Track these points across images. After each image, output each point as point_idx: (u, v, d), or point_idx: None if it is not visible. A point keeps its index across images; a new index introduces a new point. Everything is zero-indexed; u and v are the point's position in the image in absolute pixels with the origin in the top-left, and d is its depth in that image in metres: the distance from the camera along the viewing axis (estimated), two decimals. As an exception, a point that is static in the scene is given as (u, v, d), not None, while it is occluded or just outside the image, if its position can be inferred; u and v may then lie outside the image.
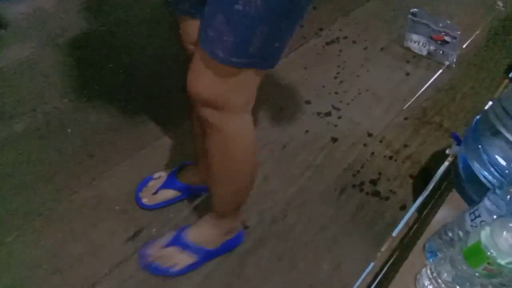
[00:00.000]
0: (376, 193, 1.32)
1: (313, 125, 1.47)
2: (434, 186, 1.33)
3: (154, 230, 1.13)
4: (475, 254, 0.68)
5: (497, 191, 0.75)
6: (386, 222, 1.26)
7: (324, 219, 1.23)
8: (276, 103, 1.39)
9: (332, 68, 1.70)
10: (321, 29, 1.85)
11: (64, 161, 1.22)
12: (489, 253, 0.66)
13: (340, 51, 1.78)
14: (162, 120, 1.36)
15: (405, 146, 1.47)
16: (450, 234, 0.84)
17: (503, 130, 0.95)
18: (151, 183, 1.17)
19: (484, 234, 0.67)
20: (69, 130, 1.29)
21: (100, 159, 1.24)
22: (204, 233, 1.03)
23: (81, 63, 1.48)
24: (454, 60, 1.84)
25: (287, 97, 1.51)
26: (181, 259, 1.03)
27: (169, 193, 1.15)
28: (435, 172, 1.35)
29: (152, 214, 1.15)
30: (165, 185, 1.14)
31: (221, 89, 0.71)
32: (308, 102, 1.54)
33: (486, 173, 0.93)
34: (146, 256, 1.03)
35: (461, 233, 0.81)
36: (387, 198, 1.32)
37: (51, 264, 1.03)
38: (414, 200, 1.31)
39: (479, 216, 0.76)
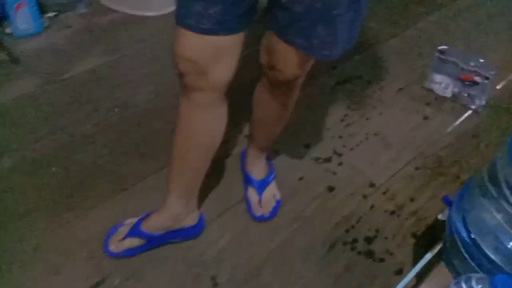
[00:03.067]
0: (370, 253, 1.19)
1: (308, 172, 1.37)
2: (440, 249, 1.17)
3: (117, 280, 1.07)
4: None
5: (462, 283, 0.62)
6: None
7: (304, 280, 1.12)
8: (269, 148, 1.31)
9: (340, 109, 1.60)
10: (333, 68, 1.76)
11: (42, 201, 1.21)
12: None
13: (352, 91, 1.68)
14: (146, 163, 1.33)
15: (411, 200, 1.33)
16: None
17: (497, 196, 0.82)
18: (121, 229, 1.12)
19: None
20: (54, 169, 1.28)
21: (77, 200, 1.22)
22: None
23: (79, 100, 1.49)
24: (483, 103, 1.67)
25: (284, 139, 1.43)
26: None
27: (135, 241, 1.10)
28: (443, 232, 1.19)
29: (119, 263, 1.10)
30: (131, 233, 1.09)
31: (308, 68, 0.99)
32: (306, 146, 1.45)
33: (468, 247, 0.80)
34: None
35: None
36: (381, 260, 1.18)
37: (7, 310, 1.01)
38: (414, 264, 1.16)
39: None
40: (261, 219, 1.22)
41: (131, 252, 1.10)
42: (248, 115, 1.20)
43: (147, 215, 1.11)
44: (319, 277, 1.13)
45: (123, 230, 1.11)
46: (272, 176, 1.29)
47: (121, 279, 1.07)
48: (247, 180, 1.27)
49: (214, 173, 1.32)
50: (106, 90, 1.54)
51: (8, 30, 1.70)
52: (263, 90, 1.09)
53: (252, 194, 1.25)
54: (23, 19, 1.68)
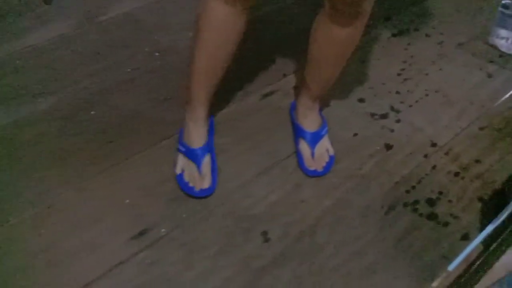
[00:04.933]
0: (433, 216, 1.09)
1: (364, 128, 1.26)
2: (509, 215, 1.07)
3: (163, 230, 1.00)
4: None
5: None
6: (441, 253, 1.03)
7: (361, 241, 1.03)
8: (322, 98, 1.20)
9: (397, 63, 1.46)
10: (387, 19, 1.61)
11: (81, 145, 1.13)
12: None
13: (409, 44, 1.54)
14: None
15: (477, 161, 1.21)
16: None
17: None
18: (187, 173, 1.07)
19: None
20: (93, 113, 1.20)
21: (118, 146, 1.14)
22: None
23: (117, 44, 1.39)
24: (553, 62, 1.52)
25: (336, 92, 1.31)
26: None
27: (207, 161, 1.08)
28: (512, 197, 1.08)
29: (163, 212, 1.03)
30: (198, 162, 1.07)
31: None
32: (361, 101, 1.33)
33: None
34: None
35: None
36: (445, 224, 1.08)
37: (48, 256, 0.95)
38: (481, 230, 1.06)
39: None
40: (314, 174, 1.13)
41: (215, 176, 1.09)
42: (297, 66, 1.10)
43: (184, 145, 1.09)
44: (378, 238, 1.03)
45: (191, 170, 1.06)
46: (325, 130, 1.18)
47: (167, 229, 1.00)
48: (298, 132, 1.17)
49: (262, 126, 1.23)
50: (145, 34, 1.43)
51: (40, -31, 1.59)
52: (324, 24, 0.98)
53: (304, 147, 1.15)
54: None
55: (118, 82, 1.28)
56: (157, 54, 1.37)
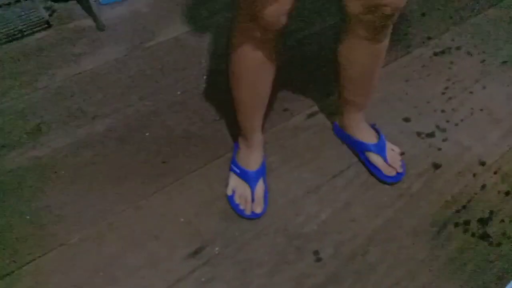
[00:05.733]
0: (485, 236, 1.08)
1: (411, 147, 1.26)
2: None
3: (217, 249, 1.03)
4: None
5: None
6: (495, 273, 1.01)
7: (414, 261, 1.03)
8: (368, 117, 1.22)
9: (440, 82, 1.47)
10: (429, 38, 1.62)
11: (137, 166, 1.18)
12: None
13: (451, 63, 1.54)
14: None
15: (528, 181, 1.20)
16: None
17: None
18: (239, 195, 1.10)
19: None
20: (147, 134, 1.25)
21: (172, 166, 1.18)
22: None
23: (166, 67, 1.45)
24: None
25: (382, 112, 1.33)
26: None
27: (261, 187, 1.11)
28: None
29: (217, 231, 1.06)
30: (253, 185, 1.10)
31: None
32: (407, 120, 1.34)
33: None
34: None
35: None
36: (498, 244, 1.07)
37: (109, 272, 0.99)
38: (537, 251, 1.04)
39: None
40: (399, 178, 1.16)
41: (266, 198, 1.12)
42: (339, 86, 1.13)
43: (238, 167, 1.12)
44: (430, 258, 1.03)
45: (244, 191, 1.10)
46: (383, 135, 1.21)
47: (220, 247, 1.03)
48: (362, 147, 1.20)
49: (309, 145, 1.25)
50: (192, 58, 1.49)
51: (93, -3, 1.68)
52: (352, 46, 1.00)
53: (375, 158, 1.18)
54: (108, -14, 1.66)
55: (169, 104, 1.33)
56: (204, 77, 1.42)
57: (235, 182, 1.12)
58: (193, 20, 1.65)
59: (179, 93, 1.36)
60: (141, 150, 1.21)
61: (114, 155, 1.20)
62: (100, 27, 1.57)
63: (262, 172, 1.13)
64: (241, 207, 1.08)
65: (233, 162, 1.14)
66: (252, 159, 1.12)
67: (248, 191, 1.09)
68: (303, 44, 1.56)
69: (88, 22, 1.62)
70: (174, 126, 1.28)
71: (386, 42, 1.01)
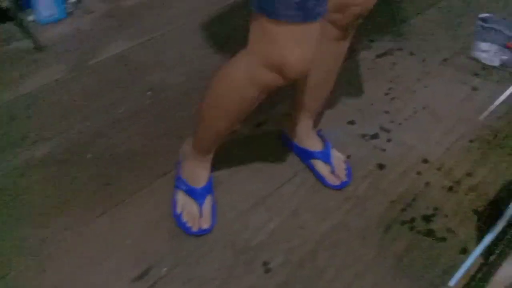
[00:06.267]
0: (430, 233, 1.10)
1: (356, 149, 1.28)
2: (505, 225, 1.08)
3: (164, 269, 1.01)
4: None
5: None
6: (441, 269, 1.04)
7: (362, 263, 1.04)
8: (313, 124, 1.23)
9: (383, 83, 1.50)
10: (372, 41, 1.66)
11: (79, 190, 1.15)
12: None
13: (394, 64, 1.58)
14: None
15: (469, 175, 1.24)
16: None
17: None
18: (187, 212, 1.08)
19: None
20: (89, 156, 1.22)
21: (116, 187, 1.15)
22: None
23: (109, 85, 1.43)
24: (535, 70, 1.56)
25: (327, 117, 1.34)
26: None
27: (209, 201, 1.10)
28: (507, 207, 1.10)
29: (164, 251, 1.04)
30: (201, 201, 1.08)
31: None
32: (351, 123, 1.36)
33: None
34: None
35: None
36: (443, 239, 1.09)
37: (52, 304, 0.95)
38: (478, 242, 1.07)
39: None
40: (344, 186, 1.17)
41: (214, 214, 1.10)
42: (286, 94, 1.13)
43: (185, 184, 1.10)
44: (379, 259, 1.04)
45: (191, 209, 1.08)
46: (329, 142, 1.22)
47: (168, 267, 1.01)
48: (308, 155, 1.20)
49: (256, 156, 1.25)
50: (136, 74, 1.47)
51: (31, 18, 1.64)
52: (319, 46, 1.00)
53: (321, 166, 1.19)
54: (46, 5, 1.62)
55: (112, 123, 1.31)
56: (149, 92, 1.41)
57: (182, 200, 1.10)
58: (137, 35, 1.63)
59: (121, 111, 1.34)
60: (84, 173, 1.18)
61: (55, 181, 1.17)
62: (38, 47, 1.53)
63: (210, 187, 1.12)
64: (189, 224, 1.07)
65: (179, 179, 1.12)
66: (200, 176, 1.10)
67: (195, 208, 1.08)
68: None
69: (28, 43, 1.57)
70: (117, 145, 1.25)
71: (349, 43, 1.03)
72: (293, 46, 0.73)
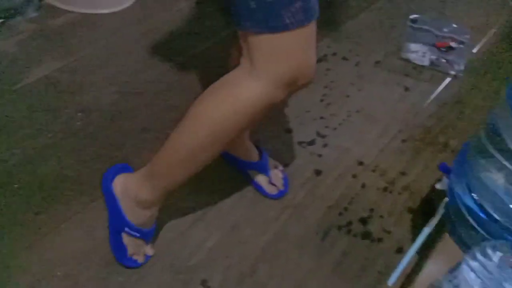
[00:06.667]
0: (367, 235, 1.12)
1: (294, 157, 1.29)
2: (438, 222, 1.11)
3: (98, 299, 0.97)
4: None
5: (477, 254, 0.55)
6: (378, 270, 1.05)
7: (302, 272, 1.04)
8: (250, 135, 1.22)
9: (318, 90, 1.52)
10: (306, 48, 1.68)
11: (6, 222, 1.09)
12: None
13: (328, 69, 1.61)
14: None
15: (403, 174, 1.27)
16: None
17: (496, 155, 0.75)
18: (130, 242, 0.99)
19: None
20: (16, 186, 1.17)
21: (46, 217, 1.10)
22: None
23: (36, 109, 1.37)
24: (462, 68, 1.63)
25: (264, 126, 1.34)
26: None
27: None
28: (440, 204, 1.13)
29: (97, 281, 1.00)
30: (147, 238, 1.01)
31: None
32: (288, 131, 1.37)
33: (474, 214, 0.73)
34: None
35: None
36: (379, 240, 1.11)
37: None
38: (414, 240, 1.10)
39: (457, 286, 0.56)
40: (281, 195, 1.18)
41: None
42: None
43: (137, 230, 0.97)
44: (317, 266, 1.05)
45: (140, 248, 1.01)
46: (265, 153, 1.22)
47: (102, 297, 0.97)
48: (245, 167, 1.19)
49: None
50: (66, 96, 1.42)
51: (-49, 42, 1.56)
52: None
53: (259, 178, 1.18)
54: (-34, 29, 1.54)
55: (40, 149, 1.25)
56: (79, 114, 1.36)
57: (130, 244, 1.00)
58: (66, 55, 1.58)
59: (50, 135, 1.28)
60: (10, 205, 1.12)
61: (-21, 214, 1.10)
62: (-40, 75, 1.45)
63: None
64: (138, 260, 1.01)
65: (127, 224, 0.96)
66: (152, 217, 0.98)
67: (143, 246, 1.02)
68: (191, 65, 1.55)
69: None
70: (46, 172, 1.20)
71: None
72: (308, 49, 0.73)
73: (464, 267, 0.57)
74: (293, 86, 0.76)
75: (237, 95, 0.77)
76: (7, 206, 1.12)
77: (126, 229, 0.97)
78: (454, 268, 0.61)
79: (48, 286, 0.98)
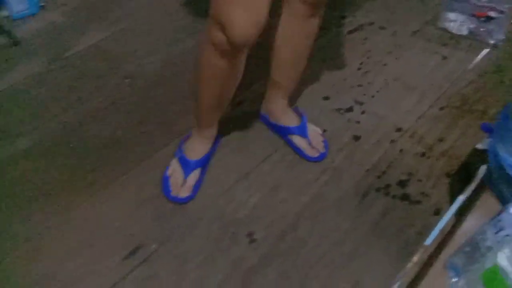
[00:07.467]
0: (405, 197, 1.16)
1: (332, 123, 1.33)
2: (476, 186, 1.14)
3: (153, 246, 1.05)
4: (493, 280, 0.53)
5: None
6: (416, 230, 1.09)
7: (341, 230, 1.09)
8: (289, 102, 1.26)
9: (356, 58, 1.54)
10: (343, 17, 1.69)
11: (64, 178, 1.17)
12: (509, 281, 0.50)
13: (365, 39, 1.62)
14: (165, 130, 1.29)
15: (440, 140, 1.29)
16: (470, 249, 0.68)
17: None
18: (173, 178, 1.13)
19: (503, 257, 0.51)
20: (71, 145, 1.25)
21: (101, 174, 1.18)
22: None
23: (87, 76, 1.44)
24: (501, 38, 1.61)
25: (302, 94, 1.38)
26: None
27: (195, 174, 1.14)
28: (478, 168, 1.15)
29: (151, 229, 1.07)
30: (187, 170, 1.13)
31: None
32: (326, 98, 1.40)
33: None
34: None
35: (483, 249, 0.64)
36: (417, 202, 1.15)
37: (44, 286, 0.99)
38: (451, 203, 1.13)
39: (502, 229, 0.60)
40: (322, 158, 1.22)
41: (197, 187, 1.14)
42: (261, 74, 1.17)
43: (181, 152, 1.15)
44: (355, 225, 1.10)
45: (177, 176, 1.12)
46: (305, 117, 1.27)
47: (157, 244, 1.05)
48: (286, 131, 1.25)
49: (236, 134, 1.29)
50: (113, 63, 1.49)
51: (4, 13, 1.64)
52: (288, 25, 1.06)
53: (298, 141, 1.23)
54: (18, 0, 1.62)
55: (92, 112, 1.33)
56: (126, 80, 1.43)
57: (173, 166, 1.15)
58: (110, 26, 1.64)
59: (100, 99, 1.36)
60: (67, 162, 1.21)
61: (40, 171, 1.19)
62: (14, 42, 1.53)
63: (203, 162, 1.16)
64: (170, 188, 1.12)
65: (180, 146, 1.18)
66: (196, 149, 1.16)
67: (181, 176, 1.13)
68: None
69: (3, 38, 1.57)
70: (99, 133, 1.28)
71: (319, 20, 1.07)
72: (241, 8, 0.80)
73: (509, 208, 0.60)
74: (224, 34, 0.84)
75: (199, 41, 0.99)
76: (64, 164, 1.21)
77: (178, 149, 1.17)
78: (497, 215, 0.65)
79: (108, 235, 1.06)
